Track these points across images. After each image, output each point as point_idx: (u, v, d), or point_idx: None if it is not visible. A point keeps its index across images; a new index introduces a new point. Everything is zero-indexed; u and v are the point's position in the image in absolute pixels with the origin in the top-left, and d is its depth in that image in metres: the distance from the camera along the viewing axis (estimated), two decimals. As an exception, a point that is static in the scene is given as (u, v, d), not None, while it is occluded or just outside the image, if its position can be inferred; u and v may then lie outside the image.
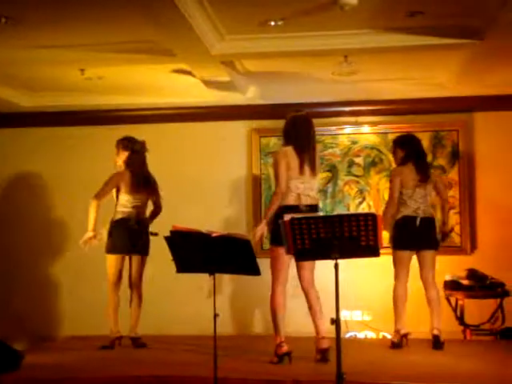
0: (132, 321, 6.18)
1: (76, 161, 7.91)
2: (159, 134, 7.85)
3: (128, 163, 6.22)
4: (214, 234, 4.36)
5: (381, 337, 7.15)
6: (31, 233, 7.94)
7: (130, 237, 6.08)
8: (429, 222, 5.95)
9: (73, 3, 4.95)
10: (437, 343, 5.77)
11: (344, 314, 7.10)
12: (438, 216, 6.30)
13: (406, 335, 5.91)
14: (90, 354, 5.90)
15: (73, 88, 7.40)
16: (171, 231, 4.46)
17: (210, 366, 4.29)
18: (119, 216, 6.14)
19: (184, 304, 7.49)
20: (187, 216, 7.00)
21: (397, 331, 5.91)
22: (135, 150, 6.24)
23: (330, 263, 4.11)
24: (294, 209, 5.24)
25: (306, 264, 5.33)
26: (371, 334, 7.25)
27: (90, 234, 6.01)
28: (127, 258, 6.20)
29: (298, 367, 5.11)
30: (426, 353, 5.68)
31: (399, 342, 5.87)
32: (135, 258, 6.20)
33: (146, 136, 7.52)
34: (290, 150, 5.39)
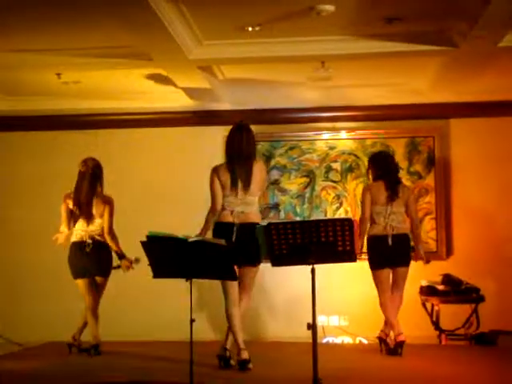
0: (77, 326, 6.13)
1: (51, 165, 7.85)
2: (135, 139, 7.85)
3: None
4: (190, 239, 4.35)
5: (357, 342, 7.17)
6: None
7: (84, 261, 5.94)
8: (401, 238, 5.88)
9: (49, 8, 4.93)
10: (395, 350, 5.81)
11: (321, 320, 7.11)
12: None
13: (400, 343, 5.72)
14: (64, 361, 5.83)
15: (49, 92, 7.36)
16: (147, 236, 4.43)
17: (186, 371, 4.27)
18: (72, 239, 6.03)
19: (163, 309, 7.46)
20: (163, 221, 6.98)
21: (394, 338, 5.84)
22: (79, 171, 6.08)
23: (307, 268, 4.11)
24: (227, 226, 5.14)
25: (247, 271, 5.23)
26: (348, 340, 7.27)
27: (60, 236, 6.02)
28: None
29: (274, 372, 5.10)
30: (402, 357, 5.69)
31: (394, 349, 5.76)
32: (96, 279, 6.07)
33: (121, 141, 7.51)
34: (222, 166, 5.31)
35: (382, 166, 6.05)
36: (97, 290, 6.07)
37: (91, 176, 6.04)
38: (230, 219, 5.19)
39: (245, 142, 5.27)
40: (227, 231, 5.09)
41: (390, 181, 5.95)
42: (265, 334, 7.33)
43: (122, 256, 6.04)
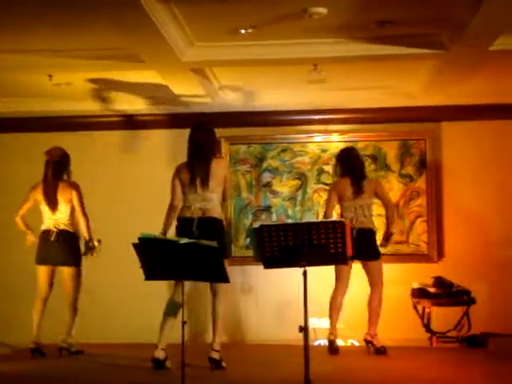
0: (64, 330, 6.08)
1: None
2: (128, 141, 7.82)
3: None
4: (181, 241, 4.34)
5: (349, 344, 7.17)
6: None
7: (49, 249, 5.96)
8: (365, 232, 5.91)
9: (41, 9, 4.92)
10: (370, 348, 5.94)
11: (312, 322, 7.11)
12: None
13: (333, 341, 6.03)
14: (55, 363, 5.80)
15: (41, 94, 7.34)
16: (139, 238, 4.42)
17: (178, 374, 4.26)
18: (42, 228, 6.05)
19: (154, 312, 7.43)
20: (156, 223, 6.95)
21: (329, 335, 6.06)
22: (45, 161, 6.10)
23: (299, 271, 4.11)
24: (186, 221, 5.19)
25: None
26: (339, 342, 7.25)
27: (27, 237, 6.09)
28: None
29: (266, 375, 5.09)
30: (393, 360, 5.71)
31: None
32: (62, 270, 6.05)
33: (113, 142, 7.47)
34: (183, 164, 5.34)
35: (347, 163, 6.12)
36: (66, 280, 6.02)
37: (56, 164, 6.06)
38: (189, 214, 5.23)
39: (204, 139, 5.28)
40: (187, 225, 5.15)
41: (355, 176, 6.03)
42: (256, 337, 7.31)
43: (88, 240, 5.97)
